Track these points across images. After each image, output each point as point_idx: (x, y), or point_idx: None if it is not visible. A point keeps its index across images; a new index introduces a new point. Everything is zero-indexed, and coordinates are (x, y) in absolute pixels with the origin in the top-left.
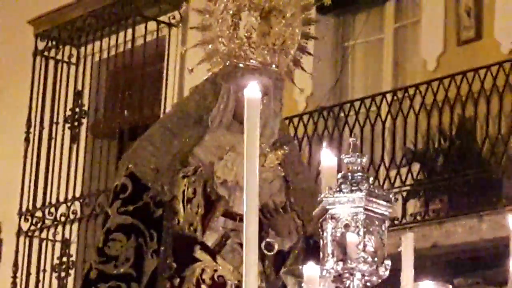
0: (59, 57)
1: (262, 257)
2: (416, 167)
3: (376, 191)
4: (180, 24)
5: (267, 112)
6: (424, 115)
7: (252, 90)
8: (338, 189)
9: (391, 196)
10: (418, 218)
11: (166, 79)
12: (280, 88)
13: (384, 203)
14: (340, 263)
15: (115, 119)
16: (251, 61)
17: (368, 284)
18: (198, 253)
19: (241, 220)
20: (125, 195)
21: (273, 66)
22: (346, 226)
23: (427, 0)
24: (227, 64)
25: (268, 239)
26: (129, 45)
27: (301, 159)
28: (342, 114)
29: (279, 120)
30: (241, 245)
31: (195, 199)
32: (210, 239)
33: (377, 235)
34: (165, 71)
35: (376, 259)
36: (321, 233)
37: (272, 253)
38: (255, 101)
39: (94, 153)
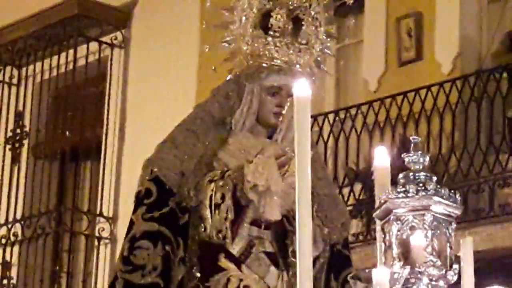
0: (0, 78)
1: (286, 266)
2: (358, 187)
3: (443, 191)
4: (123, 45)
5: (290, 115)
6: (366, 135)
7: (302, 88)
8: (403, 189)
9: (457, 196)
10: (361, 238)
11: (108, 100)
12: None
13: (451, 203)
14: (407, 267)
15: (57, 140)
16: (276, 60)
17: None
18: (223, 261)
19: (266, 227)
20: (150, 200)
21: (297, 66)
22: (412, 228)
23: (368, 21)
24: (250, 63)
25: (293, 248)
26: (71, 66)
27: (323, 164)
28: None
29: None
30: (266, 253)
31: (223, 204)
32: (235, 247)
33: (444, 237)
34: (107, 92)
35: (445, 263)
36: (382, 235)
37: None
38: (305, 99)
39: (35, 174)
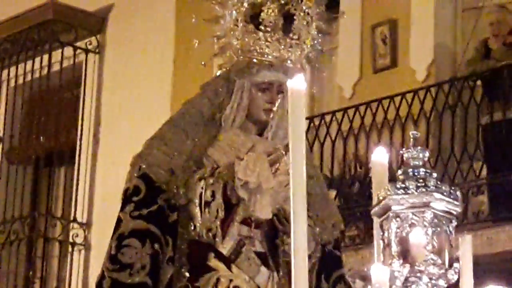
0: None
1: (276, 267)
2: (332, 194)
3: (443, 187)
4: (97, 50)
5: (280, 112)
6: (341, 142)
7: (296, 82)
8: (402, 185)
9: (458, 193)
10: None
11: (83, 106)
12: None
13: (452, 200)
14: (407, 266)
15: (31, 146)
16: (266, 56)
17: None
18: (213, 261)
19: (256, 226)
20: (138, 198)
21: (289, 62)
22: (412, 226)
23: (343, 28)
24: (241, 59)
25: (283, 247)
26: (45, 71)
27: (313, 162)
28: None
29: None
30: (256, 253)
31: (213, 202)
32: (225, 246)
33: (445, 235)
34: (81, 97)
35: (445, 261)
36: (381, 233)
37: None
38: (299, 93)
39: (9, 179)
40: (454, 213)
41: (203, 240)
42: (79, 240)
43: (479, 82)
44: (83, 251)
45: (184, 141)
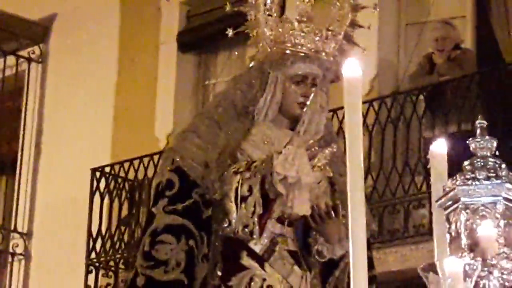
0: None
1: (308, 266)
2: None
3: None
4: (40, 59)
5: (313, 106)
6: None
7: (352, 68)
8: (472, 175)
9: None
10: None
11: (25, 115)
12: (328, 80)
13: None
14: (479, 259)
15: None
16: (301, 47)
17: (507, 284)
18: (245, 259)
19: (289, 224)
20: (171, 192)
21: (323, 54)
22: (483, 217)
23: None
24: (274, 50)
25: (317, 247)
26: None
27: (345, 159)
28: None
29: (325, 115)
30: (289, 252)
31: (251, 197)
32: (259, 245)
33: None
34: (23, 107)
35: None
36: (448, 225)
37: (323, 260)
38: (355, 80)
39: None
40: None
41: (239, 237)
42: (19, 250)
43: (421, 97)
44: (23, 261)
45: (218, 134)
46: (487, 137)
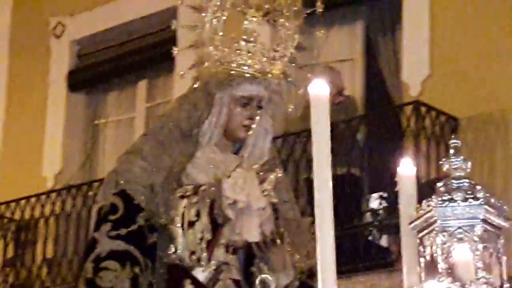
0: None
1: None
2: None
3: (493, 200)
4: None
5: (257, 129)
6: None
7: (319, 86)
8: (448, 197)
9: (506, 207)
10: None
11: None
12: (273, 103)
13: (501, 214)
14: (457, 284)
15: None
16: (245, 68)
17: None
18: None
19: (234, 252)
20: (115, 216)
21: (269, 75)
22: (460, 240)
23: (178, 81)
24: (219, 70)
25: (262, 275)
26: None
27: (288, 186)
28: (91, 193)
29: (269, 139)
30: (234, 281)
31: (198, 222)
32: (204, 273)
33: (494, 252)
34: None
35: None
36: (422, 249)
37: None
38: (322, 99)
39: None
40: (501, 227)
41: (184, 264)
42: None
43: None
44: None
45: (163, 156)
46: (461, 157)
